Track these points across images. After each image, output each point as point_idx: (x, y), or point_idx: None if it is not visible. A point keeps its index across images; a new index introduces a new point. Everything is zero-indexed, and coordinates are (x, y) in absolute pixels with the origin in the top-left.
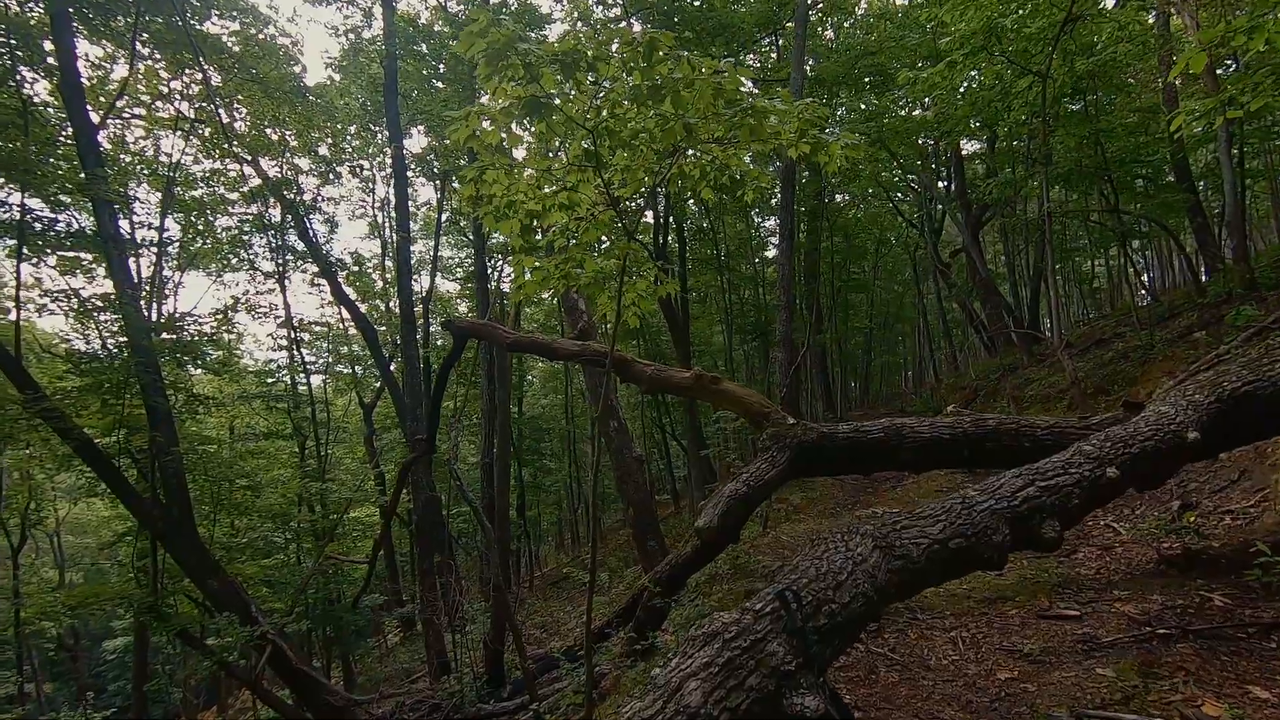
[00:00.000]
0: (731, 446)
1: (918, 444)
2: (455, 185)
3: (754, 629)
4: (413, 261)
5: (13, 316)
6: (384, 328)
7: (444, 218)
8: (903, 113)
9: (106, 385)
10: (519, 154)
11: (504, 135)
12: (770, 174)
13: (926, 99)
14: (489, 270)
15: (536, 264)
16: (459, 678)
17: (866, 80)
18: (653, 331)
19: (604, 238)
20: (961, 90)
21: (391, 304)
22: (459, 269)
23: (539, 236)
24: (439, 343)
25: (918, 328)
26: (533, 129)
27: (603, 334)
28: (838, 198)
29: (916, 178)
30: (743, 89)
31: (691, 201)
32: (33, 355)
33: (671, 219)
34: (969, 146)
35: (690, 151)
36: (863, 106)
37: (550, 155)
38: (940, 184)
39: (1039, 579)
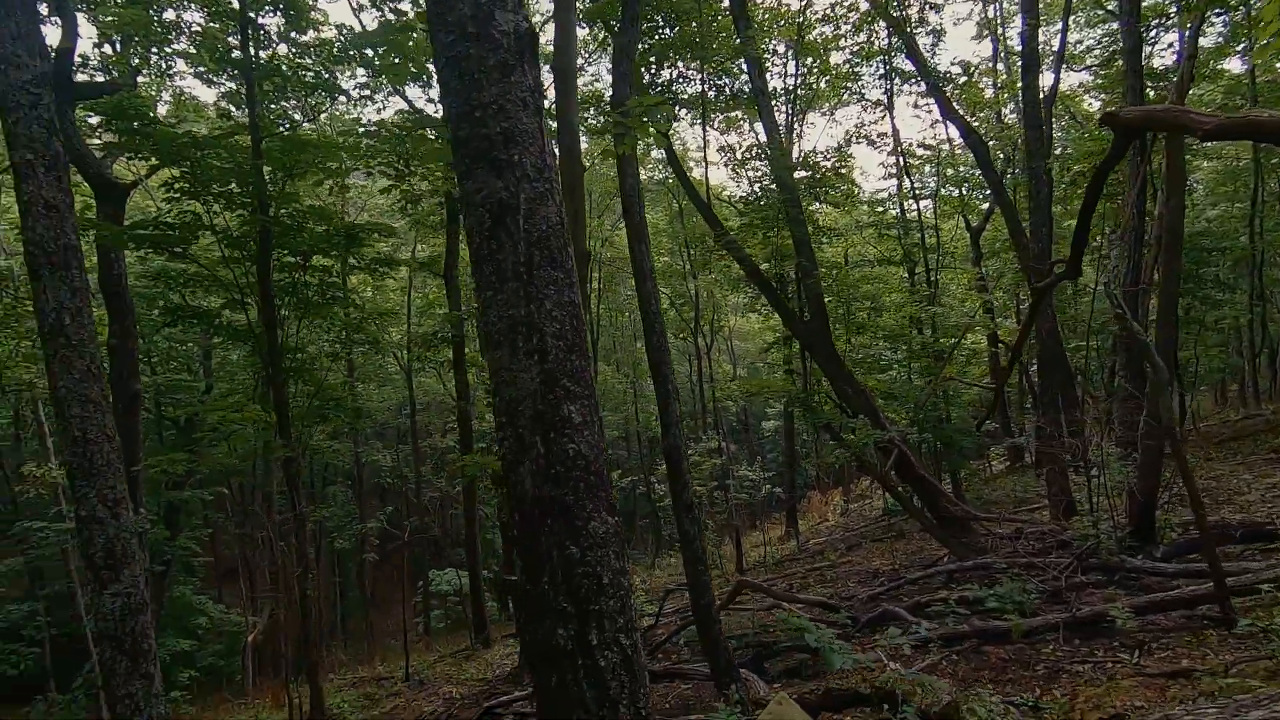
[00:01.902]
0: None
1: None
2: None
3: None
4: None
5: (701, 173)
6: (994, 141)
7: None
8: None
9: (760, 222)
10: None
11: None
12: None
13: None
14: (1142, 43)
15: None
16: (1094, 521)
17: None
18: None
19: None
20: None
21: (1004, 112)
22: (1090, 55)
23: None
24: (1060, 150)
25: None
26: None
27: None
28: None
29: None
30: None
31: None
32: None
33: None
34: None
35: None
36: None
37: None
38: None
39: None
